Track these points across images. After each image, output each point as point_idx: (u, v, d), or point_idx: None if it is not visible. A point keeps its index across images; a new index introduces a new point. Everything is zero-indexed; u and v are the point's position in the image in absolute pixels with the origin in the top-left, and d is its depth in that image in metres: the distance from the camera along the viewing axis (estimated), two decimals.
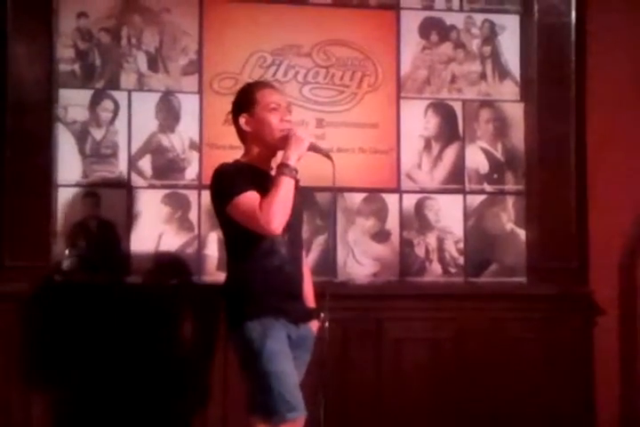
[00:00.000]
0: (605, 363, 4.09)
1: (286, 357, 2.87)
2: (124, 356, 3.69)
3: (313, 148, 2.97)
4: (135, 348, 3.70)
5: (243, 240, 2.92)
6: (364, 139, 4.09)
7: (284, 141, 2.93)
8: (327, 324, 3.04)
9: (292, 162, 2.87)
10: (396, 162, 4.13)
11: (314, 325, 3.10)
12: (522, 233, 4.21)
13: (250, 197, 2.83)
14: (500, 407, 3.95)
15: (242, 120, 3.03)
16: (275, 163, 3.01)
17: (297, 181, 2.94)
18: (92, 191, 3.87)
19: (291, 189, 2.85)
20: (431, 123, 4.18)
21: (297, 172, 2.88)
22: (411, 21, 4.18)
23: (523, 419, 3.97)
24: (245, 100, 3.03)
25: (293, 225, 2.99)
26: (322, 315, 3.05)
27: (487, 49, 4.26)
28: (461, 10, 4.24)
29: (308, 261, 3.87)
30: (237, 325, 2.90)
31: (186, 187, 3.95)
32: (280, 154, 2.98)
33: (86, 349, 3.67)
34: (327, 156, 2.99)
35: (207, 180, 3.87)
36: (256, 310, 2.88)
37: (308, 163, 3.05)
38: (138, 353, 3.70)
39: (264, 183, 2.88)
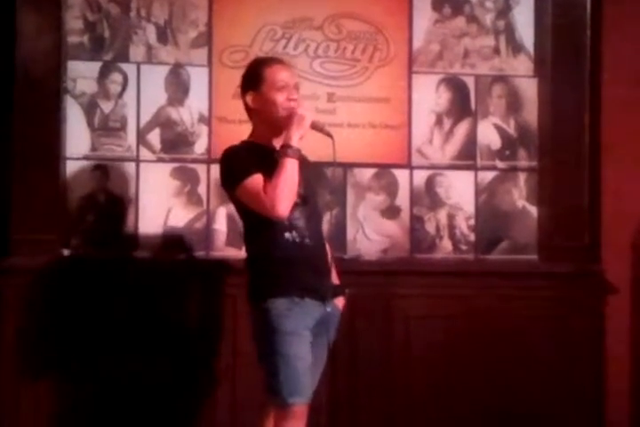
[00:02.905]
0: (617, 341, 4.07)
1: (301, 339, 2.83)
2: (133, 330, 3.68)
3: (315, 126, 2.92)
4: (144, 322, 3.69)
5: (259, 220, 2.87)
6: (375, 114, 4.04)
7: (288, 120, 2.89)
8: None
9: (294, 142, 2.83)
10: (407, 137, 4.09)
11: (340, 302, 3.06)
12: (533, 210, 4.17)
13: (255, 181, 2.80)
14: (510, 385, 3.93)
15: (248, 98, 2.99)
16: (278, 143, 2.95)
17: (304, 157, 2.93)
18: (100, 165, 3.84)
19: (295, 171, 2.81)
20: (443, 98, 4.14)
21: (300, 151, 2.84)
22: None
23: (532, 397, 3.95)
24: (253, 77, 2.99)
25: (309, 199, 2.96)
26: (347, 291, 3.03)
27: (501, 23, 4.20)
28: None
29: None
30: (259, 300, 2.87)
31: (195, 161, 3.92)
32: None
33: (95, 322, 3.66)
34: (328, 135, 2.94)
35: (216, 154, 3.88)
36: (281, 286, 2.85)
37: (316, 137, 2.99)
38: (146, 328, 3.69)
39: (271, 163, 2.85)
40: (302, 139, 2.87)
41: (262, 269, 2.91)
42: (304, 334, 2.84)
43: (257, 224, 2.91)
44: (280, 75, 2.96)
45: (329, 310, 2.93)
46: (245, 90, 3.01)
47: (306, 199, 2.93)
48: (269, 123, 2.97)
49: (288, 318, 2.81)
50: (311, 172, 3.07)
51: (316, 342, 2.90)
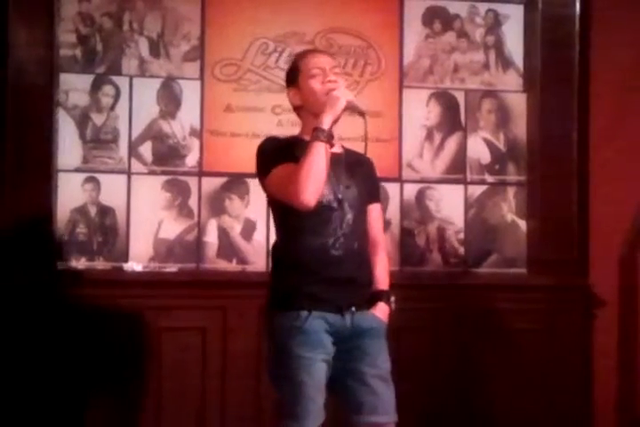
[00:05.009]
0: (604, 355, 4.09)
1: (309, 363, 2.56)
2: (124, 341, 3.68)
3: (350, 106, 2.61)
4: (134, 334, 3.70)
5: (284, 217, 2.66)
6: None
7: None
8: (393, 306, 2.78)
9: (325, 125, 2.54)
10: (398, 151, 4.11)
11: (379, 309, 2.73)
12: (522, 224, 4.20)
13: (281, 170, 2.58)
14: (498, 397, 3.94)
15: (290, 95, 2.77)
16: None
17: (356, 157, 2.74)
18: (92, 177, 3.85)
19: (321, 156, 2.51)
20: (433, 112, 4.17)
21: (332, 136, 2.55)
22: (414, 10, 4.17)
23: (520, 410, 3.96)
24: (290, 73, 2.79)
25: (348, 200, 2.67)
26: (392, 297, 2.77)
27: (490, 39, 4.25)
28: None
29: None
30: (268, 311, 2.66)
31: (186, 173, 3.93)
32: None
33: (86, 333, 3.65)
34: (361, 113, 2.63)
35: (207, 167, 3.96)
36: (288, 298, 2.60)
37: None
38: (136, 339, 3.70)
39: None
40: (337, 122, 2.59)
41: (277, 276, 2.68)
42: (311, 357, 2.56)
43: (283, 227, 2.70)
44: (312, 62, 2.73)
45: (350, 321, 2.62)
46: (287, 89, 2.80)
47: (341, 204, 2.65)
48: (315, 115, 2.65)
49: (294, 338, 2.56)
50: (361, 176, 2.77)
51: (347, 356, 2.63)
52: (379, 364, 2.68)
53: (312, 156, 2.51)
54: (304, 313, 2.58)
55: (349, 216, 2.66)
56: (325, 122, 2.55)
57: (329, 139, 2.55)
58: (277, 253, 2.72)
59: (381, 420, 2.64)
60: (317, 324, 2.59)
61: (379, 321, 2.71)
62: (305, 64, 2.73)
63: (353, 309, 2.63)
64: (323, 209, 2.61)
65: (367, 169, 2.83)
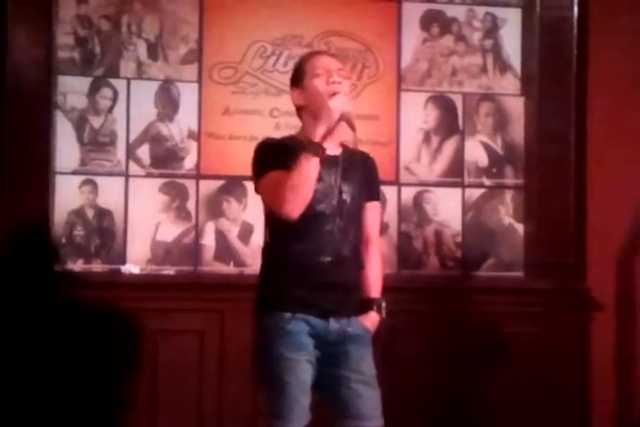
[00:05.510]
0: (602, 359, 4.08)
1: (294, 364, 2.56)
2: (120, 344, 3.69)
3: (345, 119, 2.57)
4: (131, 336, 3.69)
5: (276, 221, 2.63)
6: (364, 131, 3.95)
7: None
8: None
9: (317, 137, 2.51)
10: (396, 154, 4.12)
11: (367, 317, 2.72)
12: (520, 228, 4.20)
13: (273, 177, 2.57)
14: (495, 401, 3.94)
15: (294, 95, 2.75)
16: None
17: (358, 163, 2.71)
18: (89, 179, 3.85)
19: (309, 169, 2.50)
20: (431, 115, 4.17)
21: (323, 149, 2.51)
22: (412, 13, 4.17)
23: (517, 414, 3.96)
24: (295, 74, 2.78)
25: (342, 206, 2.66)
26: (383, 304, 2.75)
27: (488, 42, 4.25)
28: (463, 2, 4.23)
29: None
30: (256, 309, 2.67)
31: (184, 176, 3.93)
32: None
33: (82, 335, 3.65)
34: (352, 127, 2.59)
35: (205, 169, 3.95)
36: (274, 300, 2.61)
37: None
38: (133, 341, 3.70)
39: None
40: (332, 134, 2.56)
41: (265, 278, 2.70)
42: (296, 359, 2.57)
43: (274, 230, 2.69)
44: (317, 62, 2.72)
45: (335, 327, 2.62)
46: (291, 89, 2.78)
47: (334, 210, 2.64)
48: (316, 117, 2.62)
49: (279, 339, 2.58)
50: (359, 176, 2.73)
51: (332, 362, 2.62)
52: (363, 370, 2.67)
53: (300, 170, 2.50)
54: (287, 315, 2.59)
55: (342, 223, 2.66)
56: (317, 134, 2.53)
57: (319, 152, 2.51)
58: (267, 254, 2.73)
59: (367, 425, 2.64)
60: (300, 326, 2.59)
61: (365, 329, 2.71)
62: (310, 65, 2.73)
63: (339, 315, 2.63)
64: (315, 216, 2.60)
65: (368, 168, 2.82)
